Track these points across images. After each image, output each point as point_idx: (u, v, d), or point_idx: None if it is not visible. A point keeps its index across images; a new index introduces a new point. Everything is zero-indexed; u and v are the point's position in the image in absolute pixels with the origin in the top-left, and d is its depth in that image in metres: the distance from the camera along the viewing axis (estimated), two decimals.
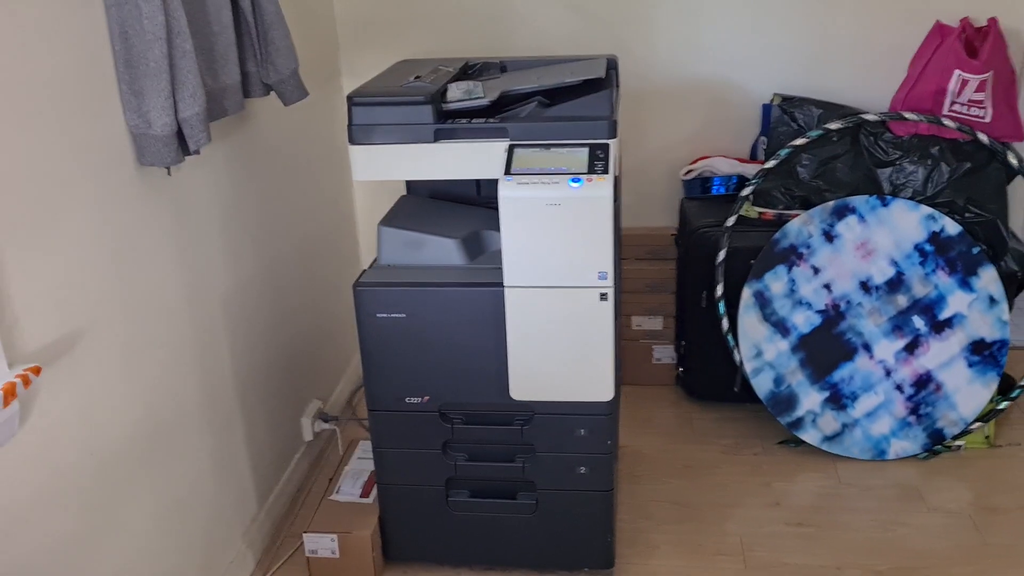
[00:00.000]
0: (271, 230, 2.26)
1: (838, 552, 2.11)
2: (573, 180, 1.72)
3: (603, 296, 1.78)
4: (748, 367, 2.47)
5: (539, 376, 1.86)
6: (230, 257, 2.03)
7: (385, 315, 1.86)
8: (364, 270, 1.93)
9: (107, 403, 1.59)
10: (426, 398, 1.92)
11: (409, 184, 2.21)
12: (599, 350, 1.83)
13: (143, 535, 1.71)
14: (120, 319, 1.62)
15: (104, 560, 1.58)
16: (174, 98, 1.60)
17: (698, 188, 2.70)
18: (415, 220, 2.01)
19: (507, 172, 1.75)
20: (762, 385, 2.46)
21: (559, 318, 1.80)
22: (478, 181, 2.12)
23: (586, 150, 1.77)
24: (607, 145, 1.78)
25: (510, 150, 1.78)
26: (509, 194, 1.73)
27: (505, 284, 1.79)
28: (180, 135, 1.64)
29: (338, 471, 2.22)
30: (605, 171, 1.73)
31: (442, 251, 1.93)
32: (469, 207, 2.11)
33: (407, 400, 1.93)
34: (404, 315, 1.86)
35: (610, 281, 1.77)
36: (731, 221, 2.49)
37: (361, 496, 2.12)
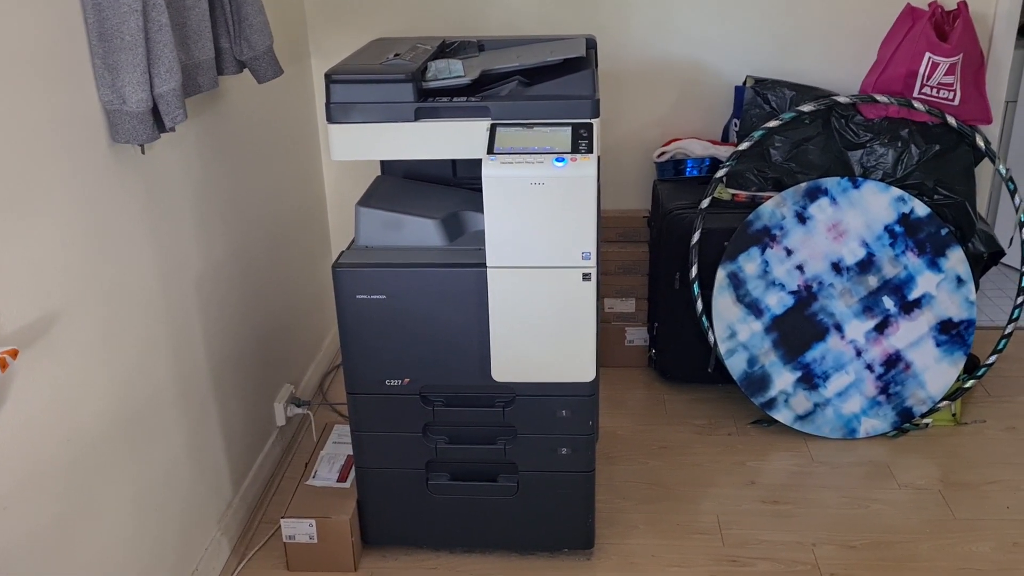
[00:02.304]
0: (242, 211, 2.21)
1: (812, 528, 2.14)
2: (557, 159, 1.70)
3: (586, 276, 1.77)
4: (722, 348, 2.48)
5: (521, 357, 1.85)
6: (202, 238, 1.99)
7: (365, 296, 1.83)
8: (343, 251, 1.90)
9: (85, 387, 1.55)
10: (406, 380, 1.90)
11: (383, 164, 2.18)
12: (581, 330, 1.82)
13: (120, 522, 1.67)
14: (96, 301, 1.57)
15: (81, 547, 1.54)
16: (149, 73, 1.55)
17: (671, 170, 2.71)
18: (393, 200, 1.98)
19: (490, 151, 1.74)
20: (736, 366, 2.48)
21: (542, 298, 1.79)
22: (454, 162, 2.10)
23: (569, 130, 1.76)
24: (591, 125, 1.76)
25: (492, 129, 1.76)
26: (493, 173, 1.71)
27: (488, 264, 1.78)
28: (155, 112, 1.60)
29: (314, 455, 2.19)
30: (589, 150, 1.72)
31: (422, 232, 1.90)
32: (446, 188, 2.09)
33: (387, 382, 1.91)
34: (384, 296, 1.83)
35: (593, 261, 1.76)
36: (705, 203, 2.50)
37: (338, 481, 2.10)
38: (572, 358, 1.85)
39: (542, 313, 1.81)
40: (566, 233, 1.74)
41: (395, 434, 1.96)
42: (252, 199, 2.27)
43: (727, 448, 2.46)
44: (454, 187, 2.09)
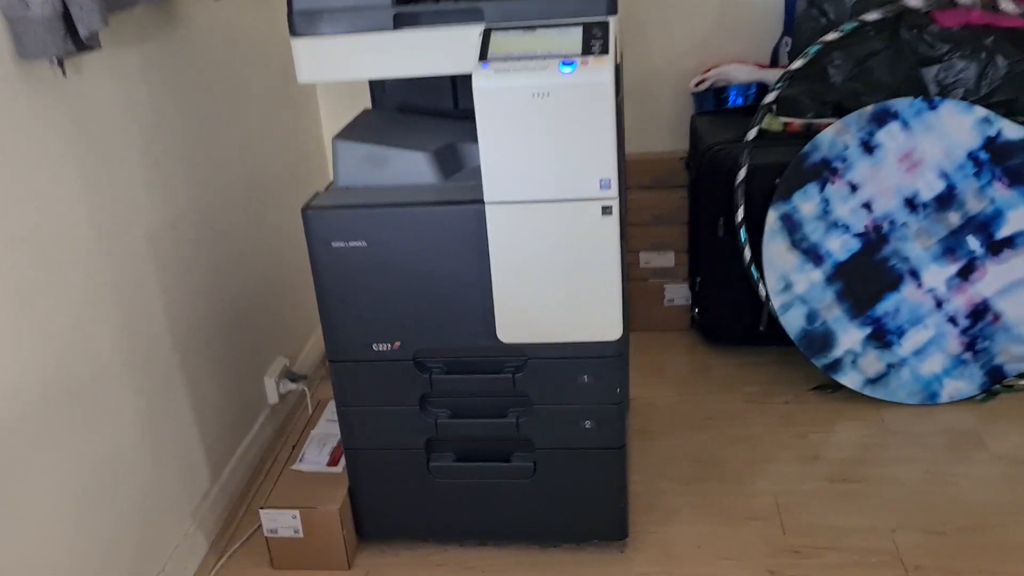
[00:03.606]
0: (214, 155, 1.92)
1: (890, 511, 1.80)
2: (565, 64, 1.38)
3: (606, 210, 1.45)
4: (776, 302, 2.14)
5: (531, 313, 1.53)
6: (156, 185, 1.69)
7: (342, 244, 1.53)
8: (317, 192, 1.59)
9: (3, 359, 1.27)
10: (397, 344, 1.60)
11: (374, 97, 1.87)
12: (603, 278, 1.50)
13: (54, 521, 1.39)
14: (12, 255, 1.29)
15: (3, 546, 1.27)
16: None
17: (711, 101, 2.36)
18: (378, 133, 1.67)
19: (482, 59, 1.41)
20: (793, 323, 2.13)
21: (553, 240, 1.47)
22: (454, 89, 1.79)
23: (579, 29, 1.43)
24: (606, 23, 1.43)
25: (486, 34, 1.44)
26: (485, 85, 1.39)
27: (486, 200, 1.46)
28: (67, 18, 1.30)
29: (303, 436, 1.90)
30: (604, 51, 1.39)
31: (410, 167, 1.59)
32: (444, 120, 1.78)
33: (374, 347, 1.60)
34: (364, 243, 1.53)
35: (614, 191, 1.43)
36: (752, 135, 2.15)
37: (328, 465, 1.80)
38: (593, 312, 1.53)
39: (554, 258, 1.49)
40: (579, 156, 1.41)
41: (387, 408, 1.66)
42: (227, 141, 1.98)
43: (785, 418, 2.12)
44: (453, 119, 1.78)
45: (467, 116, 1.75)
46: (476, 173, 1.50)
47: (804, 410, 2.14)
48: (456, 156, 1.63)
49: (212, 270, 1.90)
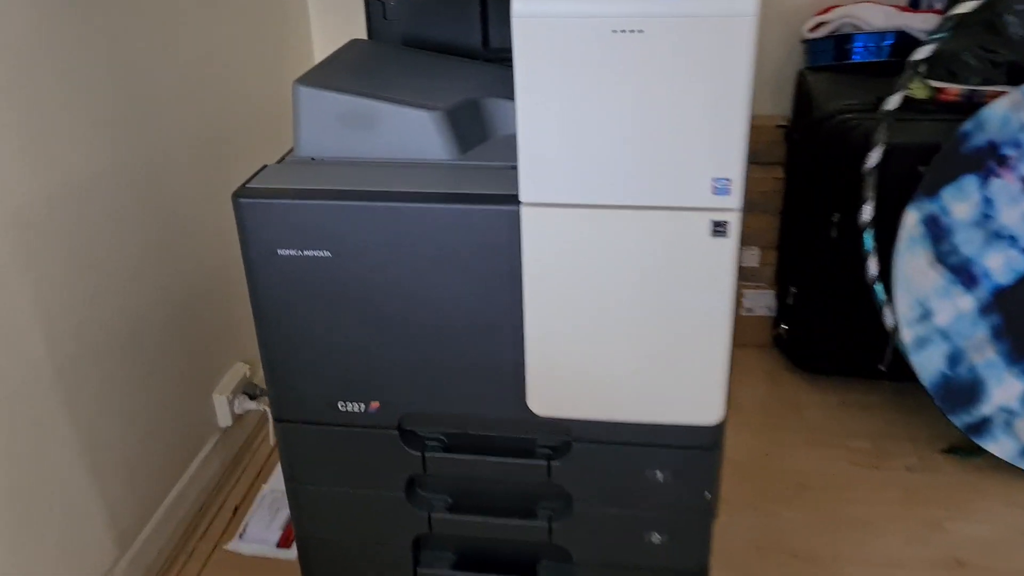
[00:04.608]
0: (146, 97, 1.36)
1: None
2: None
3: (719, 228, 0.88)
4: (907, 335, 1.57)
5: (583, 376, 0.98)
6: (29, 147, 1.14)
7: (294, 252, 0.98)
8: (264, 167, 1.04)
9: None
10: (374, 405, 1.06)
11: (371, 25, 1.31)
12: (703, 333, 0.94)
13: None
14: None
15: None
16: None
17: (831, 52, 1.76)
18: (366, 77, 1.11)
19: None
20: (928, 365, 1.57)
21: (626, 269, 0.92)
22: (484, 17, 1.24)
23: None
24: None
25: None
26: (531, 8, 0.82)
27: (522, 199, 0.90)
28: None
29: (251, 491, 1.38)
30: None
31: (410, 134, 1.03)
32: (466, 64, 1.22)
33: (341, 406, 1.06)
34: (329, 253, 0.97)
35: (735, 198, 0.87)
36: (893, 103, 1.55)
37: (280, 545, 1.29)
38: (682, 383, 0.97)
39: (626, 297, 0.93)
40: (683, 139, 0.84)
41: (359, 491, 1.12)
42: (169, 74, 1.41)
43: (908, 493, 1.57)
44: (479, 63, 1.22)
45: (501, 59, 1.20)
46: (508, 148, 0.94)
47: (935, 483, 1.59)
48: (480, 120, 1.07)
49: (139, 249, 1.35)
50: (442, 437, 1.08)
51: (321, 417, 1.07)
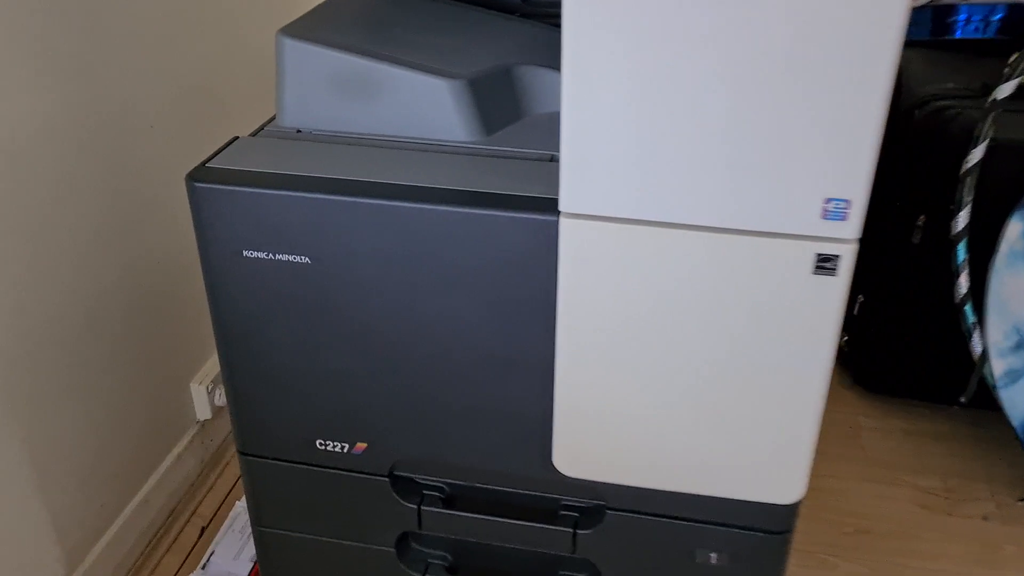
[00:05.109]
0: (110, 34, 1.13)
1: None
2: None
3: (825, 264, 0.66)
4: (997, 366, 1.34)
5: (625, 434, 0.76)
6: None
7: (263, 256, 0.76)
8: (234, 139, 0.82)
9: None
10: (361, 446, 0.84)
11: None
12: (792, 392, 0.72)
13: None
14: None
15: None
16: None
17: (928, 24, 1.50)
18: (370, 31, 0.88)
19: None
20: (1020, 401, 1.34)
21: (694, 306, 0.69)
22: None
23: None
24: None
25: None
26: None
27: (562, 208, 0.68)
28: None
29: (221, 511, 1.18)
30: None
31: (422, 106, 0.81)
32: (499, 18, 0.99)
33: (320, 445, 0.85)
34: (308, 259, 0.75)
35: (852, 227, 0.64)
36: (1005, 91, 1.30)
37: None
38: (757, 453, 0.75)
39: (693, 341, 0.71)
40: (796, 141, 0.61)
41: (339, 543, 0.92)
42: (142, 5, 1.19)
43: (986, 546, 1.35)
44: (519, 19, 1.00)
45: (546, 14, 0.98)
46: (545, 132, 0.72)
47: (1017, 536, 1.36)
48: (511, 93, 0.85)
49: (97, 219, 1.14)
50: (441, 487, 0.87)
51: (295, 455, 0.86)
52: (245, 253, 0.76)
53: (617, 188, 0.65)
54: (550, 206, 0.69)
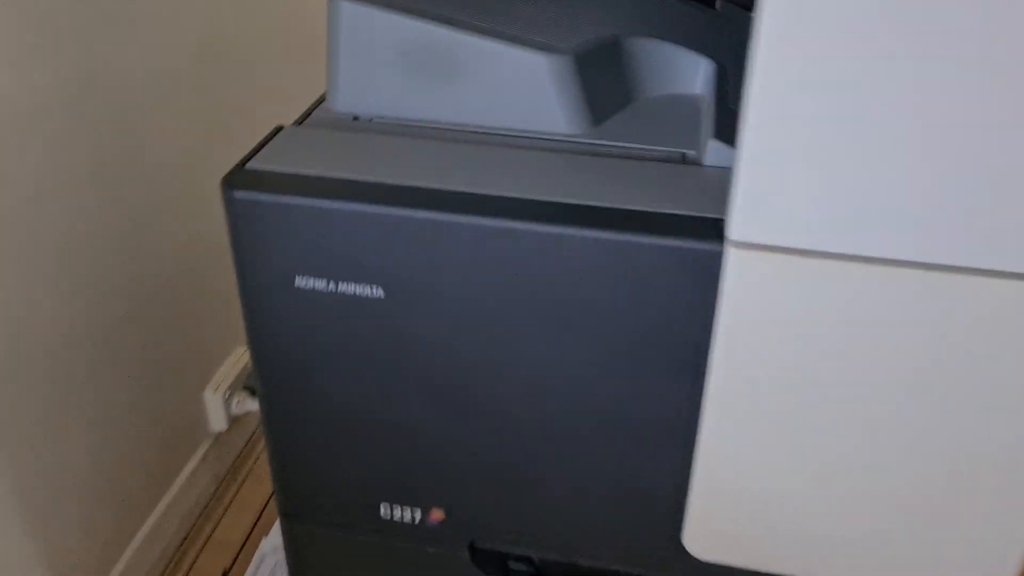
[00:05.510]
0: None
1: None
2: None
3: None
4: None
5: (784, 514, 0.60)
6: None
7: (321, 286, 0.59)
8: (278, 129, 0.65)
9: None
10: (436, 515, 0.68)
11: None
12: (1011, 467, 0.55)
13: None
14: None
15: None
16: None
17: None
18: None
19: None
20: None
21: (898, 359, 0.53)
22: None
23: None
24: None
25: None
26: None
27: (732, 235, 0.50)
28: None
29: (246, 549, 1.03)
30: None
31: (515, 89, 0.64)
32: None
33: (383, 511, 0.69)
34: (381, 292, 0.58)
35: None
36: None
37: None
38: (961, 540, 0.59)
39: (891, 401, 0.54)
40: None
41: None
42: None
43: None
44: None
45: None
46: (661, 122, 0.56)
47: None
48: (621, 73, 0.67)
49: (103, 209, 0.97)
50: (531, 557, 0.71)
51: (352, 522, 0.70)
52: (298, 282, 0.59)
53: (814, 213, 0.48)
54: (707, 230, 0.52)
